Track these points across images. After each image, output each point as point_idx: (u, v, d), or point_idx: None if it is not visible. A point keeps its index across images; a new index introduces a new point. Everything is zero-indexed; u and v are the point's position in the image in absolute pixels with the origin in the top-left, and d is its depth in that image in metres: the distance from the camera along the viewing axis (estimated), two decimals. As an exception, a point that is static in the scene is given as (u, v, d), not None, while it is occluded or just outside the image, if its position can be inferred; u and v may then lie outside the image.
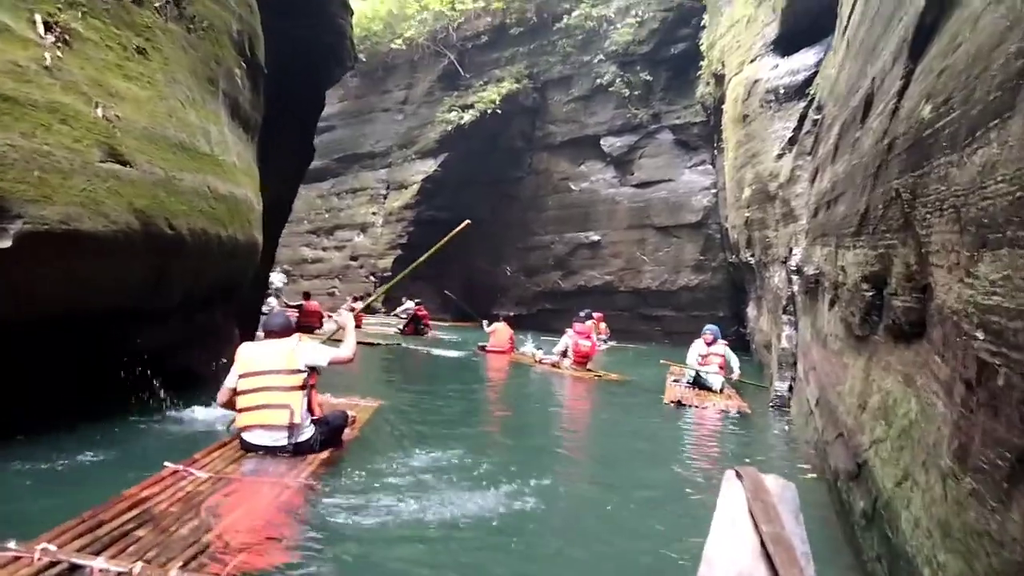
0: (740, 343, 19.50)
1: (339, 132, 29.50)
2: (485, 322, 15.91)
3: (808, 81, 12.47)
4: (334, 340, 7.39)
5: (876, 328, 3.62)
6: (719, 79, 17.70)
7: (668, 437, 7.37)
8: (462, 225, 8.79)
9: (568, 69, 23.86)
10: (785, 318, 8.81)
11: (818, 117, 9.73)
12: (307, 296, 19.61)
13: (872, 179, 3.80)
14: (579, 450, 6.94)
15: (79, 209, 4.63)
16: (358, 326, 19.98)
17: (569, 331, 12.66)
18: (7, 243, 4.07)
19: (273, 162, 11.90)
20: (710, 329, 10.96)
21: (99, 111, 5.11)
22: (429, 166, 25.38)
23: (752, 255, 14.31)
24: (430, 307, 26.53)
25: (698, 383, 10.39)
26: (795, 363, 8.55)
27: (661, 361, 12.39)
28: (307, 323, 15.95)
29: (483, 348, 15.08)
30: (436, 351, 15.41)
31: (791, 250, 9.82)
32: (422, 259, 7.97)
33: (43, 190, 4.39)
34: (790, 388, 8.62)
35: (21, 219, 4.19)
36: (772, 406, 8.76)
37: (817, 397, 5.84)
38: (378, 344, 16.17)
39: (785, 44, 13.78)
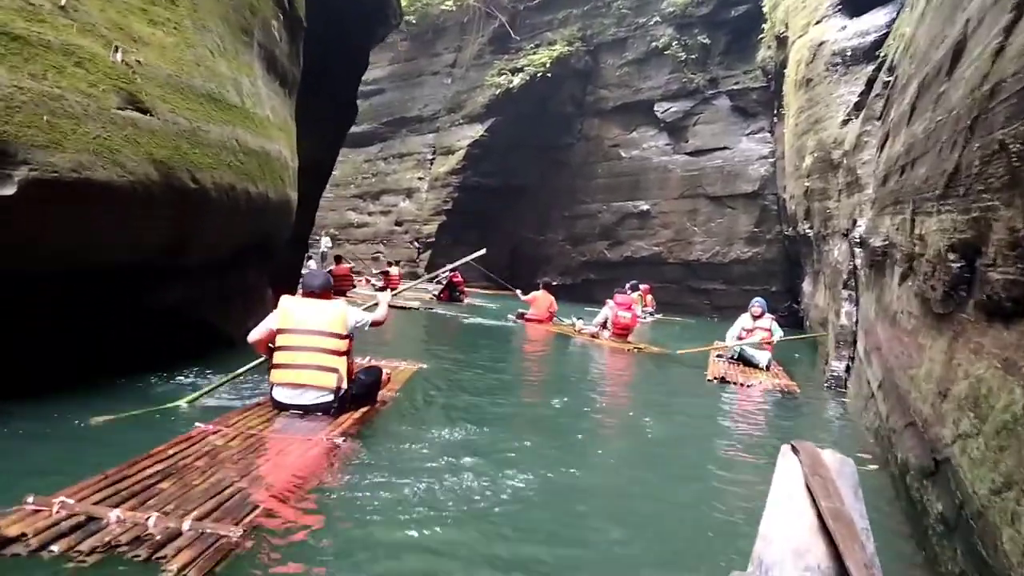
0: (793, 319, 18.82)
1: (388, 95, 29.21)
2: (519, 292, 15.43)
3: (878, 43, 11.65)
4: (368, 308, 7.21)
5: (964, 304, 3.13)
6: (782, 42, 16.80)
7: (711, 416, 6.93)
8: (478, 253, 9.50)
9: (622, 31, 23.01)
10: (845, 293, 8.23)
11: (890, 79, 8.99)
12: (339, 260, 19.58)
13: (966, 133, 3.28)
14: (617, 427, 6.56)
15: (92, 157, 4.38)
16: (393, 287, 20.16)
17: (610, 302, 12.30)
18: (10, 190, 3.84)
19: (314, 121, 11.67)
20: (758, 302, 10.44)
21: (118, 55, 4.84)
22: (476, 131, 24.91)
23: (811, 227, 13.59)
24: (471, 275, 26.40)
25: (743, 359, 9.89)
26: (854, 342, 7.99)
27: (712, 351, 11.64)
28: (339, 287, 15.81)
29: (522, 316, 14.67)
30: (472, 319, 15.16)
31: (855, 221, 9.18)
32: (429, 276, 7.34)
33: (53, 135, 4.14)
34: (847, 368, 8.07)
35: (27, 165, 3.95)
36: (827, 386, 8.23)
37: (880, 379, 5.34)
38: (414, 308, 15.99)
39: (854, 5, 12.91)
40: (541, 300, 14.58)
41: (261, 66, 7.54)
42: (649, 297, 19.60)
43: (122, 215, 4.84)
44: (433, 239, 25.70)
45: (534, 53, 23.68)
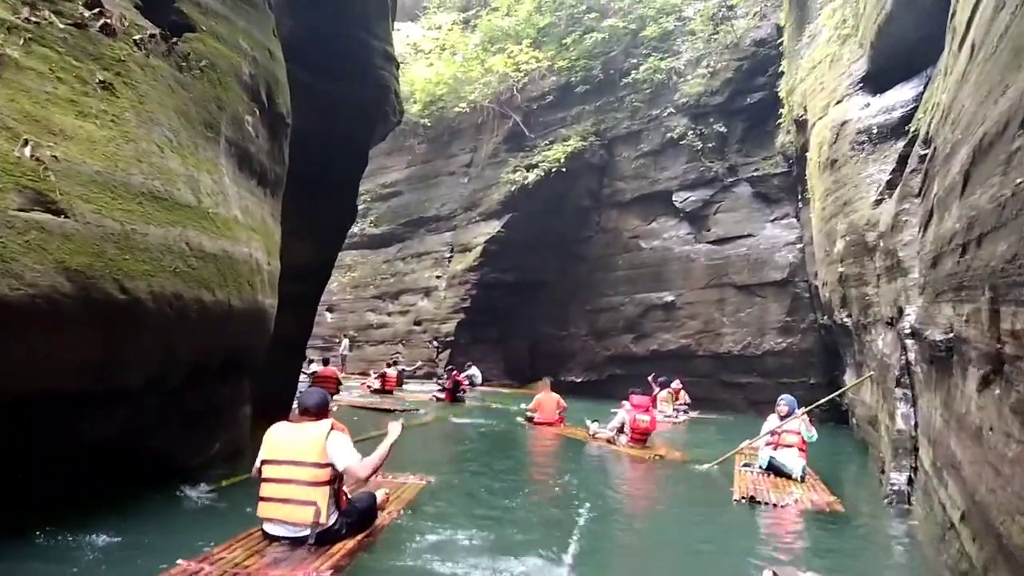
0: (836, 414, 17.41)
1: (405, 197, 29.23)
2: (527, 414, 14.13)
3: (907, 118, 10.93)
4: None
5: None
6: (801, 125, 16.21)
7: (740, 542, 5.78)
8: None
9: (636, 124, 22.75)
10: (899, 392, 7.11)
11: (927, 152, 8.16)
12: (325, 362, 18.91)
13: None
14: (634, 554, 5.49)
15: (-31, 267, 3.62)
16: (389, 389, 19.59)
17: (626, 404, 11.28)
18: None
19: (310, 221, 11.14)
20: (784, 400, 9.22)
21: (26, 150, 4.17)
22: (493, 227, 24.50)
23: (848, 315, 12.50)
24: (495, 372, 25.42)
25: (773, 468, 8.64)
26: (915, 448, 6.81)
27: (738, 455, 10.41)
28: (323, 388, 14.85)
29: (530, 419, 13.74)
30: (477, 422, 14.35)
31: (900, 310, 8.15)
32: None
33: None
34: (910, 481, 6.86)
35: None
36: (887, 502, 6.98)
37: (964, 510, 4.21)
38: (395, 411, 15.22)
39: (875, 81, 12.29)
40: (546, 402, 13.70)
41: (230, 163, 6.94)
42: (682, 394, 18.41)
43: (21, 334, 4.03)
44: (452, 338, 24.93)
45: (548, 149, 23.48)
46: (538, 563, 4.85)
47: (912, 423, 6.89)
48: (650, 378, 18.31)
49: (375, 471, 4.78)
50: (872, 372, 10.09)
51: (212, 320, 5.90)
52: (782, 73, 18.12)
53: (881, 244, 10.04)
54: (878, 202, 10.83)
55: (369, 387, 20.55)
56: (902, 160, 10.27)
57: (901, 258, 8.19)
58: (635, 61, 22.70)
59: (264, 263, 7.37)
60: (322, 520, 4.46)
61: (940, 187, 6.61)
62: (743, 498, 7.23)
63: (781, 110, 18.46)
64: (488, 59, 24.99)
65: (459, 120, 27.70)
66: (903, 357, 7.17)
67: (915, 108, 10.71)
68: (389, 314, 28.11)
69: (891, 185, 10.58)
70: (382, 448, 4.86)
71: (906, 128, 10.62)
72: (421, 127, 28.82)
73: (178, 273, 5.37)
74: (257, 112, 7.62)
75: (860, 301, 11.39)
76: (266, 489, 4.56)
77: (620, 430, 11.19)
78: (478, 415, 15.60)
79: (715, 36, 21.24)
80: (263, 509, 4.58)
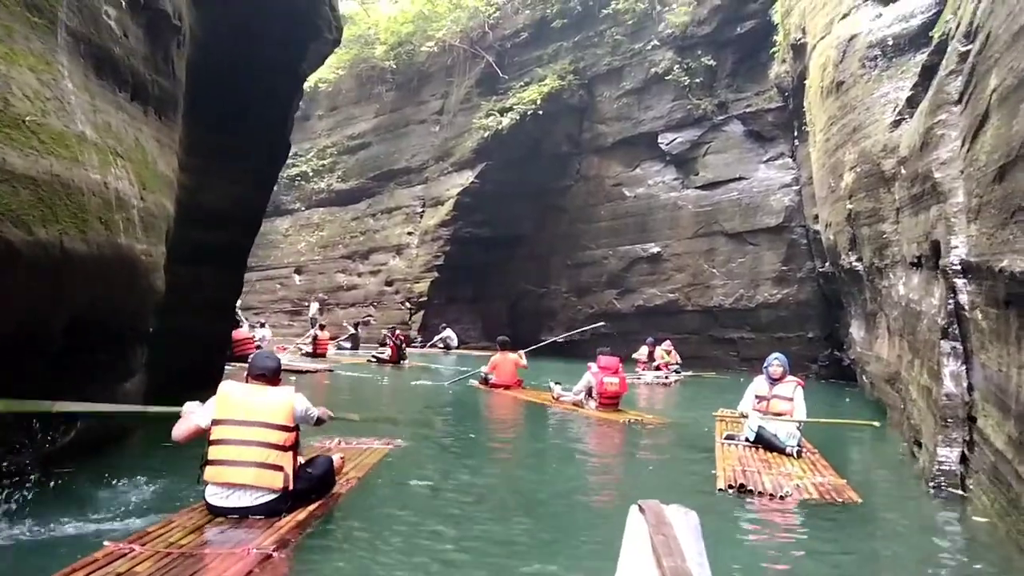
0: (837, 371, 16.11)
1: (374, 149, 27.38)
2: (483, 369, 13.02)
3: (928, 24, 9.37)
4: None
5: None
6: (799, 50, 14.56)
7: (730, 550, 4.30)
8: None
9: (618, 60, 20.91)
10: (947, 346, 5.63)
11: (968, 47, 6.58)
12: (237, 323, 17.61)
13: None
14: (595, 546, 4.11)
15: None
16: (322, 353, 18.45)
17: (591, 366, 9.94)
18: None
19: (237, 160, 9.49)
20: (777, 359, 7.52)
21: None
22: (466, 178, 22.80)
23: (858, 259, 11.02)
24: (471, 334, 23.93)
25: (763, 441, 7.10)
26: (970, 417, 5.36)
27: (714, 414, 9.03)
28: (241, 352, 13.58)
29: (485, 382, 12.42)
30: (426, 383, 13.48)
31: (936, 244, 6.64)
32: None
33: None
34: (963, 458, 5.42)
35: None
36: (932, 485, 5.54)
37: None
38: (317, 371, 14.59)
39: (886, -10, 10.64)
40: (502, 364, 12.36)
41: (76, 64, 5.25)
42: (673, 352, 16.99)
43: None
44: (425, 298, 23.41)
45: (524, 91, 21.70)
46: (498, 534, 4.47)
47: (965, 385, 5.42)
48: (646, 344, 16.95)
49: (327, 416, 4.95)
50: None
51: (27, 267, 4.28)
52: (777, -4, 16.40)
53: (903, 171, 8.51)
54: (897, 123, 9.29)
55: (300, 349, 19.59)
56: (926, 72, 8.70)
57: (937, 180, 6.65)
58: (615, -10, 20.81)
59: (133, 197, 5.73)
60: (290, 486, 4.24)
61: (1000, 81, 5.08)
62: (729, 487, 5.58)
63: (775, 37, 16.81)
64: (457, -8, 22.97)
65: (429, 63, 25.77)
66: (950, 301, 5.67)
67: (938, 12, 9.12)
68: (359, 275, 26.48)
69: (913, 103, 9.03)
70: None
71: (929, 34, 9.02)
72: (389, 72, 26.86)
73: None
74: (124, 5, 5.90)
75: (874, 241, 9.90)
76: (219, 451, 4.21)
77: (588, 394, 9.89)
78: (427, 379, 14.42)
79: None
80: (214, 474, 4.21)
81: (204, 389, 5.00)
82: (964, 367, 5.49)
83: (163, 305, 7.57)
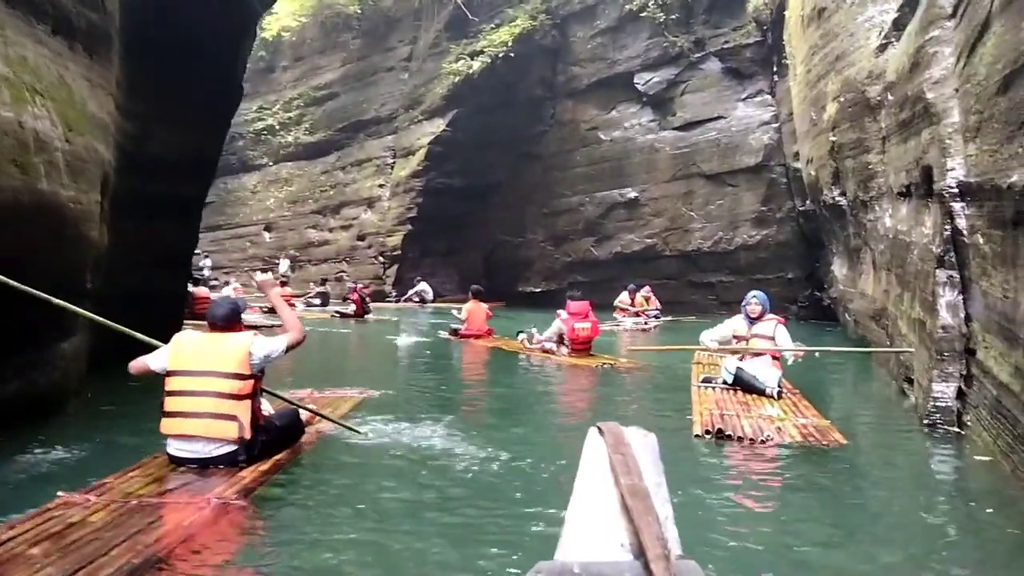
0: (816, 310, 15.94)
1: (342, 99, 26.34)
2: (455, 309, 13.17)
3: (917, -60, 8.81)
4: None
5: None
6: (778, -21, 13.98)
7: (708, 497, 3.98)
8: None
9: (591, -3, 20.14)
10: (942, 275, 5.30)
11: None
12: (195, 282, 17.11)
13: None
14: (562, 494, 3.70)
15: None
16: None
17: (561, 312, 9.70)
18: None
19: (185, 106, 8.87)
20: (755, 296, 7.09)
21: None
22: (437, 127, 22.00)
23: (842, 193, 10.69)
24: (447, 287, 23.46)
25: (741, 383, 6.74)
26: (968, 350, 5.07)
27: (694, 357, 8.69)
28: (199, 311, 13.10)
29: (456, 333, 12.27)
30: (400, 338, 13.00)
31: (928, 169, 6.28)
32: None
33: None
34: (960, 393, 5.14)
35: None
36: (927, 423, 5.27)
37: None
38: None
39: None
40: (475, 312, 12.18)
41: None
42: (652, 297, 16.70)
43: None
44: (399, 252, 22.80)
45: (494, 33, 20.83)
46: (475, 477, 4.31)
47: (962, 316, 5.11)
48: (627, 290, 16.55)
49: (301, 330, 4.56)
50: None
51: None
52: (754, -78, 15.71)
53: (890, 96, 8.12)
54: (883, 48, 8.86)
55: (262, 309, 18.71)
56: (914, -11, 8.22)
57: (930, 101, 6.25)
58: (586, -78, 19.92)
59: (56, 139, 5.16)
60: (245, 436, 4.09)
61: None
62: (707, 432, 5.22)
63: (754, -33, 16.15)
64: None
65: (395, 7, 24.72)
66: (946, 228, 5.32)
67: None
68: (331, 230, 25.73)
69: (899, 24, 8.58)
70: (284, 312, 4.82)
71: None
72: (354, 19, 25.73)
73: None
74: (35, -79, 5.24)
75: (859, 173, 9.55)
76: (174, 403, 4.11)
77: (560, 341, 9.67)
78: (392, 332, 14.06)
79: None
80: (170, 425, 4.11)
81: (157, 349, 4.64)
82: (961, 297, 5.17)
83: (107, 261, 7.08)
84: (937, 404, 5.17)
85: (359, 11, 25.18)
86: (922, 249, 6.26)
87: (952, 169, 5.39)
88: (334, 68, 27.01)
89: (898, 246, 7.50)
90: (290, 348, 4.43)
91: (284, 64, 28.56)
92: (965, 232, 5.06)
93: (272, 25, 26.08)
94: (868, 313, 9.61)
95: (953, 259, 5.27)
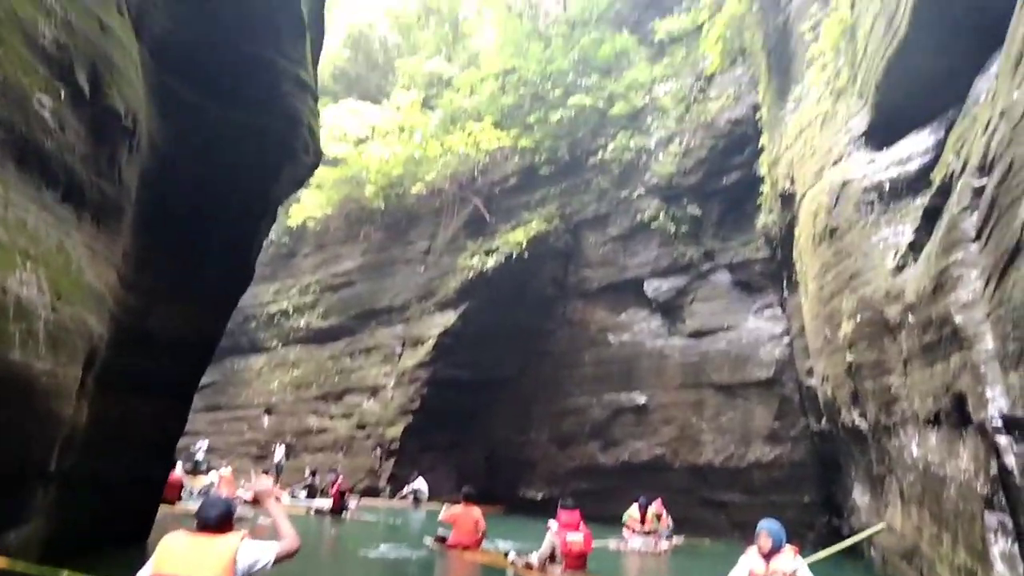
0: (836, 541, 14.64)
1: (358, 287, 26.84)
2: (444, 507, 12.03)
3: (927, 167, 9.11)
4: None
5: None
6: (787, 200, 14.44)
7: None
8: None
9: (604, 207, 20.99)
10: (993, 520, 4.70)
11: (983, 182, 6.15)
12: (195, 467, 16.46)
13: None
14: None
15: None
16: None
17: (552, 523, 8.87)
18: None
19: (196, 283, 8.78)
20: (767, 529, 6.18)
21: None
22: (448, 318, 22.13)
23: (862, 415, 10.16)
24: (446, 486, 22.25)
25: None
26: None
27: None
28: (169, 497, 12.35)
29: (442, 540, 10.99)
30: (377, 549, 11.48)
31: (961, 397, 5.85)
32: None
33: None
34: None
35: None
36: None
37: None
38: None
39: (880, 134, 10.63)
40: (464, 519, 10.81)
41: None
42: (665, 515, 15.02)
43: None
44: (397, 444, 21.92)
45: (510, 233, 21.57)
46: None
47: (1021, 569, 4.44)
48: (638, 504, 15.07)
49: (296, 538, 4.33)
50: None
51: None
52: (762, 149, 16.62)
53: (911, 318, 7.87)
54: (900, 268, 8.77)
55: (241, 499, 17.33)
56: (929, 214, 8.29)
57: (959, 325, 5.96)
58: (603, 141, 21.25)
59: (41, 307, 4.90)
60: None
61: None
62: None
63: (762, 188, 16.85)
64: (447, 139, 23.36)
65: (418, 205, 25.89)
66: (992, 464, 4.80)
67: (937, 155, 8.90)
68: (331, 417, 25.05)
69: (916, 247, 8.56)
70: (279, 517, 4.49)
71: (929, 177, 8.72)
72: (377, 213, 26.87)
73: None
74: (63, 96, 5.37)
75: (880, 396, 9.11)
76: None
77: (551, 558, 8.72)
78: (380, 538, 12.82)
79: (687, 115, 19.88)
80: None
81: (128, 542, 4.20)
82: (1017, 546, 4.52)
83: (83, 440, 6.60)
84: None
85: (383, 206, 26.32)
86: (961, 486, 5.67)
87: (992, 400, 4.97)
88: (354, 257, 27.78)
89: (931, 479, 6.88)
90: (280, 559, 4.23)
91: (306, 251, 29.51)
92: (1016, 471, 4.53)
93: (298, 214, 27.21)
94: (900, 552, 8.72)
95: (1003, 501, 4.68)
